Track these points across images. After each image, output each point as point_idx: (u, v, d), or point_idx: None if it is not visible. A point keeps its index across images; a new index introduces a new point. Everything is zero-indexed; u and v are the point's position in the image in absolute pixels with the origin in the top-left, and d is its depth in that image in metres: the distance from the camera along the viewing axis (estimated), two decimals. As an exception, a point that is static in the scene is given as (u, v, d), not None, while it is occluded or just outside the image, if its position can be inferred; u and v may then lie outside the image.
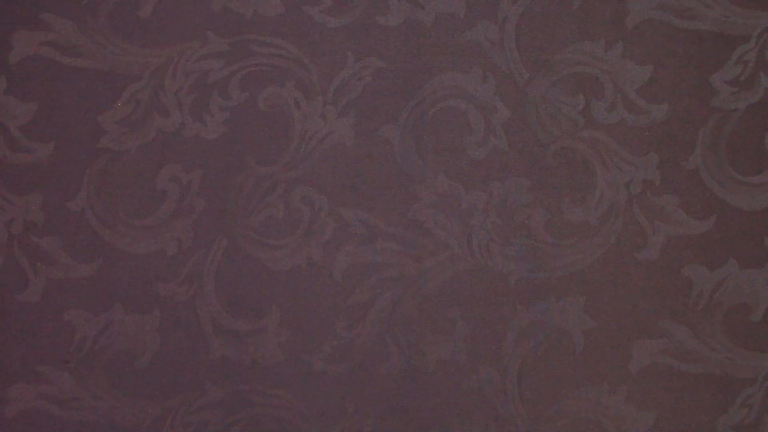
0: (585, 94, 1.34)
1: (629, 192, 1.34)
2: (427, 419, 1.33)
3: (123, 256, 1.33)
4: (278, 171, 1.33)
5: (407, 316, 1.33)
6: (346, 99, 1.34)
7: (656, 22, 1.34)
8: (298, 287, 1.33)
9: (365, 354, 1.33)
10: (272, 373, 1.33)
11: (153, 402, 1.33)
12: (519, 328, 1.33)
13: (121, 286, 1.33)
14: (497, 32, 1.34)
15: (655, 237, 1.34)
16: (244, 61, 1.34)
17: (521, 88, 1.34)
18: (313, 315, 1.33)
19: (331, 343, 1.33)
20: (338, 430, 1.33)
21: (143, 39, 1.34)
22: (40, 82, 1.33)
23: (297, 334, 1.33)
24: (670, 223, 1.34)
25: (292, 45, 1.34)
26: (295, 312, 1.33)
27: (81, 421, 1.33)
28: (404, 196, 1.34)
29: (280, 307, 1.33)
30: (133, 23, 1.34)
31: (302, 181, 1.33)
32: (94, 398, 1.33)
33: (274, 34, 1.34)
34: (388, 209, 1.33)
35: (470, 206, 1.34)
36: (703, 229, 1.34)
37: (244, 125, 1.34)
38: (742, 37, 1.34)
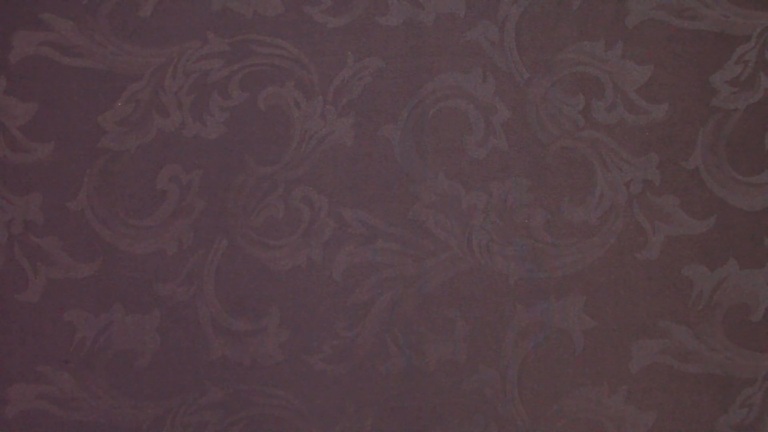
0: (585, 94, 1.34)
1: (629, 192, 1.34)
2: (427, 419, 1.33)
3: (123, 256, 1.33)
4: (278, 171, 1.33)
5: (407, 316, 1.33)
6: (346, 99, 1.34)
7: (656, 22, 1.34)
8: (298, 287, 1.33)
9: (365, 354, 1.33)
10: (272, 373, 1.33)
11: (153, 402, 1.33)
12: (519, 328, 1.33)
13: (121, 286, 1.33)
14: (497, 32, 1.34)
15: (655, 237, 1.34)
16: (244, 61, 1.34)
17: (521, 88, 1.34)
18: (313, 315, 1.33)
19: (331, 343, 1.33)
20: (338, 430, 1.33)
21: (143, 39, 1.34)
22: (40, 82, 1.34)
23: (297, 334, 1.33)
24: (670, 223, 1.34)
25: (292, 45, 1.34)
26: (295, 312, 1.33)
27: (81, 421, 1.33)
28: (404, 196, 1.34)
29: (280, 307, 1.33)
30: (133, 23, 1.34)
31: (302, 181, 1.33)
32: (94, 398, 1.33)
33: (274, 34, 1.34)
34: (388, 209, 1.34)
35: (470, 206, 1.34)
36: (703, 229, 1.34)
37: (244, 125, 1.34)
38: (742, 37, 1.34)
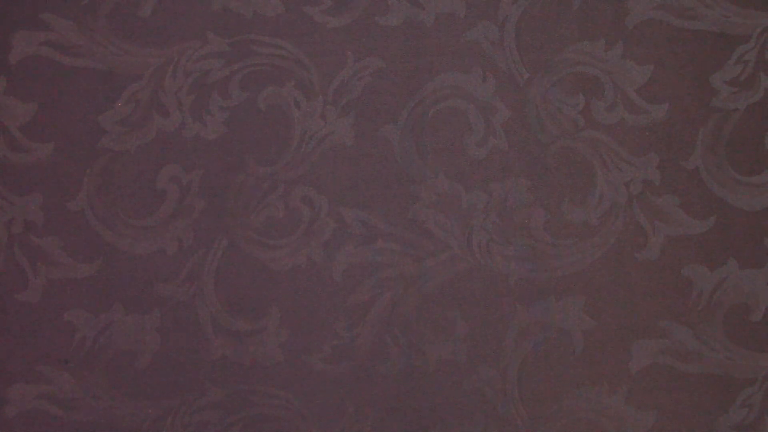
0: (585, 94, 1.34)
1: (629, 192, 1.34)
2: (427, 419, 1.33)
3: (123, 256, 1.33)
4: (278, 171, 1.33)
5: (407, 316, 1.33)
6: (346, 99, 1.34)
7: (656, 22, 1.34)
8: (298, 287, 1.33)
9: (365, 354, 1.33)
10: (272, 373, 1.33)
11: (153, 402, 1.33)
12: (519, 328, 1.33)
13: (121, 286, 1.33)
14: (497, 32, 1.34)
15: (655, 237, 1.34)
16: (244, 61, 1.34)
17: (521, 88, 1.34)
18: (313, 315, 1.33)
19: (331, 343, 1.33)
20: (338, 430, 1.33)
21: (143, 39, 1.34)
22: (40, 82, 1.33)
23: (297, 334, 1.33)
24: (670, 223, 1.34)
25: (292, 45, 1.34)
26: (295, 312, 1.33)
27: (81, 421, 1.33)
28: (404, 196, 1.34)
29: (280, 307, 1.33)
30: (133, 23, 1.34)
31: (302, 181, 1.33)
32: (94, 398, 1.33)
33: (274, 34, 1.34)
34: (388, 209, 1.33)
35: (470, 206, 1.34)
36: (703, 229, 1.34)
37: (244, 125, 1.34)
38: (742, 37, 1.34)
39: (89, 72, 1.33)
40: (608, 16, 1.34)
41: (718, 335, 1.34)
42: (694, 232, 1.34)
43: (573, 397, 1.34)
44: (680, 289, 1.34)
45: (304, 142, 1.34)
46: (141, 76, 1.33)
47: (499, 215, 1.34)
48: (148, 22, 1.34)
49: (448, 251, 1.34)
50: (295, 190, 1.33)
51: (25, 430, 1.33)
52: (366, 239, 1.33)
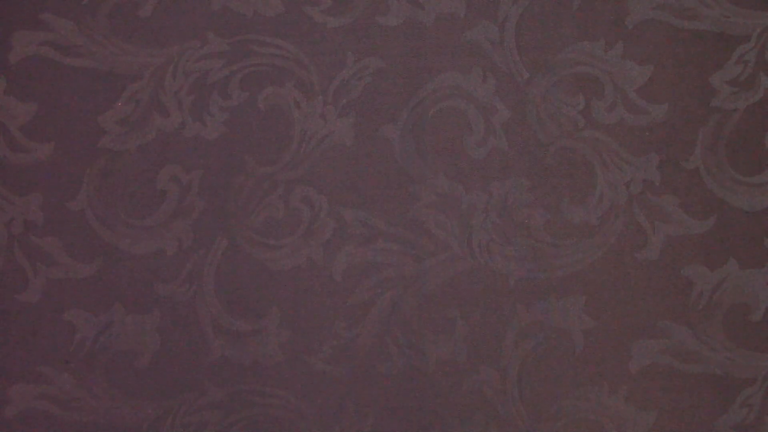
0: (585, 94, 1.34)
1: (629, 192, 1.34)
2: (427, 419, 1.33)
3: (123, 256, 1.33)
4: (278, 171, 1.33)
5: (407, 316, 1.33)
6: (346, 99, 1.34)
7: (656, 22, 1.34)
8: (298, 287, 1.33)
9: (365, 354, 1.33)
10: (272, 373, 1.33)
11: (153, 402, 1.33)
12: (519, 328, 1.33)
13: (121, 286, 1.33)
14: (497, 32, 1.34)
15: (655, 237, 1.34)
16: (244, 61, 1.34)
17: (521, 88, 1.34)
18: (313, 315, 1.33)
19: (331, 343, 1.33)
20: (338, 430, 1.33)
21: (143, 39, 1.34)
22: (40, 82, 1.34)
23: (297, 334, 1.33)
24: (670, 223, 1.34)
25: (292, 45, 1.34)
26: (295, 312, 1.33)
27: (81, 421, 1.33)
28: (404, 196, 1.34)
29: (280, 307, 1.33)
30: (133, 23, 1.34)
31: (302, 181, 1.33)
32: (94, 398, 1.33)
33: (274, 34, 1.34)
34: (388, 209, 1.34)
35: (470, 206, 1.34)
36: (703, 229, 1.34)
37: (244, 125, 1.34)
38: (742, 37, 1.34)
39: (89, 72, 1.34)
40: (608, 16, 1.34)
41: (718, 335, 1.34)
42: (694, 232, 1.34)
43: (573, 397, 1.34)
44: (680, 289, 1.34)
45: (304, 142, 1.34)
46: (141, 76, 1.33)
47: (499, 215, 1.34)
48: (148, 22, 1.34)
49: (448, 251, 1.34)
50: (295, 190, 1.33)
51: (25, 430, 1.33)
52: (366, 239, 1.33)
